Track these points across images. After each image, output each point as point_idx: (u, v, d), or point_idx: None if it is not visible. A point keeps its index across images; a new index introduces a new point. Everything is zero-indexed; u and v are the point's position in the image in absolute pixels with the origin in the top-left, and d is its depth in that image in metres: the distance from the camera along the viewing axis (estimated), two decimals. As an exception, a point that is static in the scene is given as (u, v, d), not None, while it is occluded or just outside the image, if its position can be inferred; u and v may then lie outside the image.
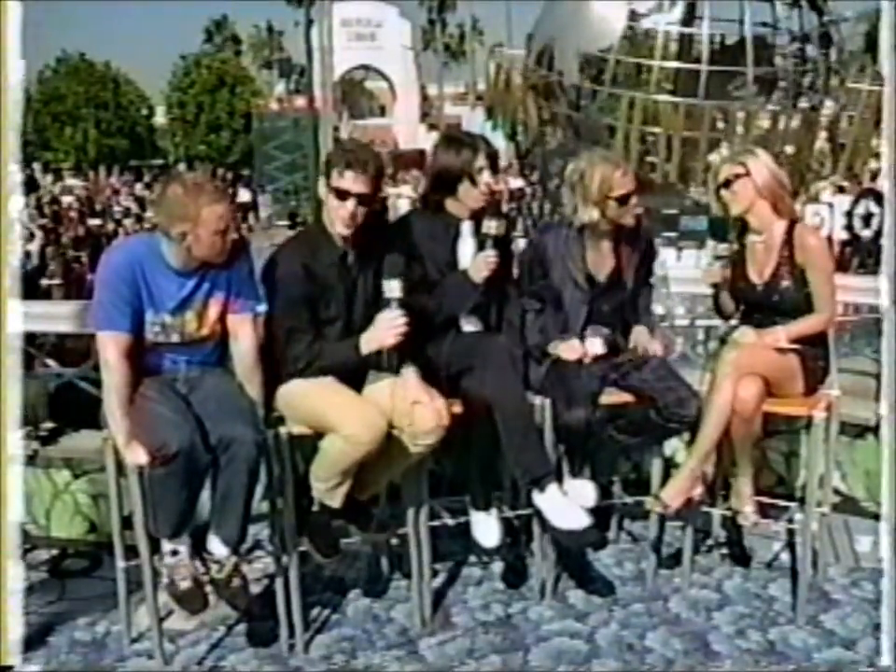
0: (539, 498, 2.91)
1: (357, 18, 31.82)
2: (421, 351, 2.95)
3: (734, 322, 3.26)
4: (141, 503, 2.73)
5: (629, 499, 3.50)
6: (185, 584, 2.72)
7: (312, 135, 22.27)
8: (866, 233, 11.84)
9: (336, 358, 2.81)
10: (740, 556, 3.45)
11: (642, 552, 3.40)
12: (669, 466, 3.24)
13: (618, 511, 3.61)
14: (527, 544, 3.30)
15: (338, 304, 2.84)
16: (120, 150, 34.67)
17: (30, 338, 3.76)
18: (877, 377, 3.40)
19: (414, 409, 2.74)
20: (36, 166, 26.12)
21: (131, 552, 2.86)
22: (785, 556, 3.45)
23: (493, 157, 3.05)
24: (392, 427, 2.80)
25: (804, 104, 9.96)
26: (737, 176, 3.03)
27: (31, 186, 20.34)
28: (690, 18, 9.96)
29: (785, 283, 3.03)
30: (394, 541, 3.29)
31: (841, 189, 12.78)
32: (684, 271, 5.12)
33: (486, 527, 3.06)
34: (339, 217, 2.78)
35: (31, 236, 12.13)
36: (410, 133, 31.93)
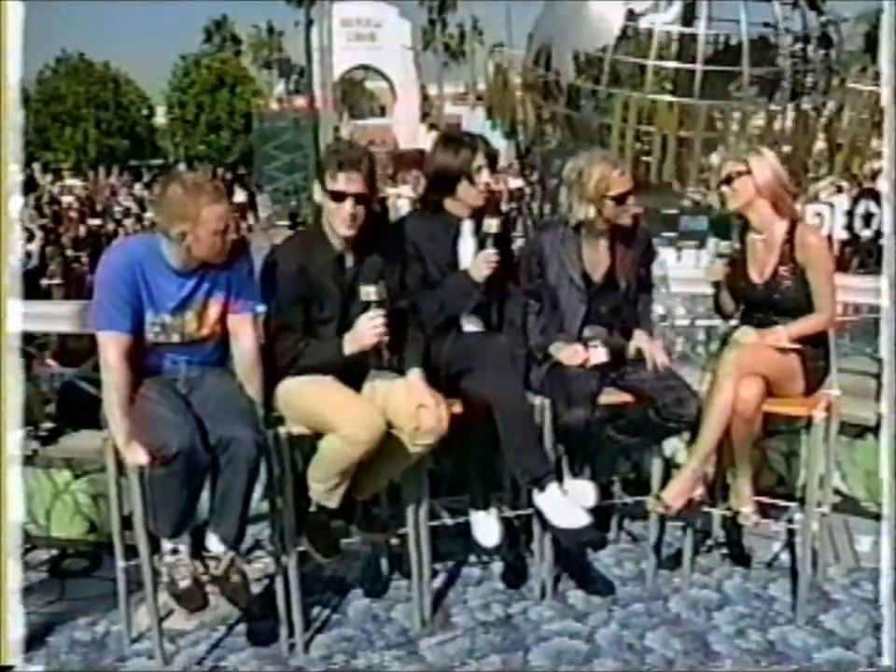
0: (540, 498, 2.91)
1: (356, 18, 31.84)
2: (426, 352, 2.95)
3: (734, 322, 3.26)
4: (141, 503, 2.74)
5: (629, 499, 3.50)
6: (185, 583, 2.72)
7: (312, 135, 22.27)
8: (866, 233, 11.84)
9: (320, 357, 2.82)
10: (740, 556, 3.45)
11: (642, 552, 3.40)
12: (669, 466, 3.24)
13: (618, 511, 3.61)
14: (527, 544, 3.30)
15: (333, 305, 2.84)
16: (120, 150, 34.67)
17: (30, 338, 3.76)
18: (877, 377, 3.40)
19: (419, 411, 2.75)
20: (36, 166, 26.11)
21: (131, 551, 2.86)
22: (785, 556, 3.45)
23: (492, 156, 3.06)
24: (391, 427, 2.80)
25: (805, 104, 9.96)
26: (739, 174, 3.03)
27: (31, 186, 20.35)
28: (691, 18, 9.96)
29: (786, 282, 3.03)
30: (394, 541, 3.29)
31: (840, 189, 12.78)
32: (684, 271, 5.12)
33: (486, 527, 3.06)
34: (339, 219, 2.78)
35: (31, 236, 12.13)
36: (410, 132, 31.93)
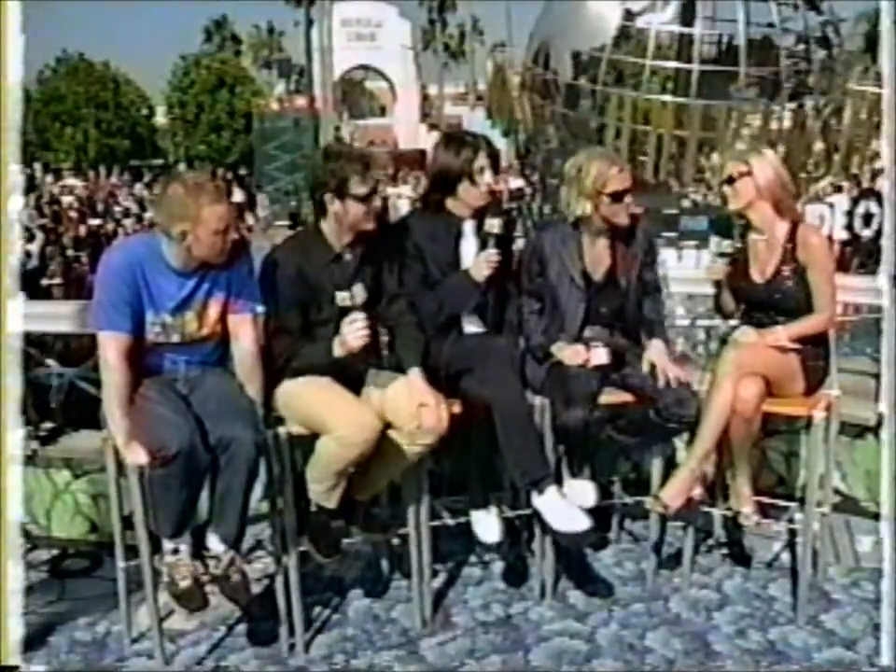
0: (538, 501, 2.90)
1: (356, 18, 31.87)
2: (425, 351, 2.95)
3: (734, 322, 3.26)
4: (141, 503, 2.74)
5: (629, 499, 3.50)
6: (185, 583, 2.72)
7: (312, 135, 22.30)
8: (866, 233, 11.84)
9: (312, 359, 2.82)
10: (740, 556, 3.45)
11: (642, 552, 3.40)
12: (669, 466, 3.24)
13: (618, 510, 3.61)
14: (528, 543, 3.30)
15: (331, 306, 2.83)
16: (120, 150, 34.65)
17: (30, 338, 3.76)
18: (877, 377, 3.40)
19: (420, 410, 2.75)
20: (36, 166, 26.09)
21: (131, 552, 2.86)
22: (785, 556, 3.45)
23: (494, 157, 3.06)
24: (391, 427, 2.81)
25: (803, 104, 9.96)
26: (740, 174, 3.03)
27: (31, 186, 20.34)
28: (691, 18, 9.97)
29: (786, 282, 3.03)
30: (394, 541, 3.29)
31: (840, 189, 12.79)
32: (684, 271, 5.13)
33: (487, 524, 3.06)
34: (367, 218, 2.83)
35: (31, 236, 12.13)
36: (410, 133, 31.96)
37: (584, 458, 3.12)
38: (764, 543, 3.50)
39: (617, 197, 3.01)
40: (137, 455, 2.61)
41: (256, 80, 37.94)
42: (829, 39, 10.07)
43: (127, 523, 2.86)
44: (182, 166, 31.37)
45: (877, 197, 11.39)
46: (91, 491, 3.67)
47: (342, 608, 3.20)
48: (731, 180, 3.05)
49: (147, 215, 17.14)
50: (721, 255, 3.15)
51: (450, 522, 3.18)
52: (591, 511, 2.95)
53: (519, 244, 3.31)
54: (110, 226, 16.87)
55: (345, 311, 2.72)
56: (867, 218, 11.99)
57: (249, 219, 21.05)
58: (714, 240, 3.14)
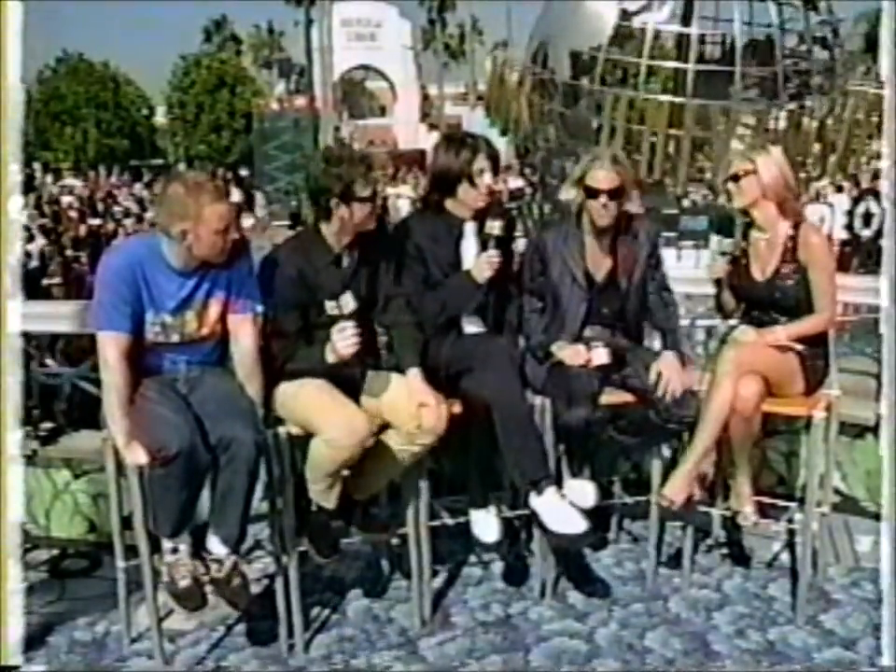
0: (536, 502, 2.90)
1: (356, 18, 31.88)
2: (425, 352, 2.95)
3: (733, 322, 3.26)
4: (141, 503, 2.74)
5: (629, 499, 3.50)
6: (184, 583, 2.72)
7: (312, 135, 22.28)
8: (866, 233, 11.85)
9: (308, 363, 2.81)
10: (740, 556, 3.45)
11: (642, 552, 3.40)
12: (669, 466, 3.24)
13: (618, 510, 3.61)
14: (528, 543, 3.30)
15: (327, 310, 2.81)
16: (120, 150, 34.63)
17: (30, 338, 3.76)
18: (877, 377, 3.40)
19: (421, 410, 2.75)
20: (36, 166, 26.09)
21: (131, 551, 2.86)
22: (785, 556, 3.45)
23: (494, 158, 3.05)
24: (390, 427, 2.81)
25: (805, 104, 9.96)
26: (746, 173, 3.03)
27: (31, 186, 20.33)
28: (692, 18, 9.98)
29: (787, 281, 3.03)
30: (394, 541, 3.29)
31: (841, 189, 12.79)
32: (684, 271, 5.12)
33: (486, 524, 3.06)
34: (367, 219, 2.83)
35: (31, 236, 12.12)
36: (410, 132, 31.97)
37: (584, 458, 3.12)
38: (764, 543, 3.50)
39: (592, 193, 3.01)
40: (137, 455, 2.61)
41: (256, 80, 37.91)
42: (826, 39, 10.08)
43: (127, 523, 2.86)
44: (182, 166, 31.37)
45: (877, 197, 11.39)
46: (91, 491, 3.67)
47: (341, 608, 3.20)
48: (736, 178, 3.05)
49: (148, 215, 17.13)
50: (723, 253, 3.15)
51: (450, 522, 3.18)
52: (591, 511, 2.95)
53: (520, 244, 3.31)
54: (110, 226, 16.84)
55: (336, 319, 2.72)
56: (867, 218, 11.99)
57: (247, 220, 21.05)
58: (715, 238, 3.15)
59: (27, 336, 3.23)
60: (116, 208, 19.46)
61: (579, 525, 2.87)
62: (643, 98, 9.64)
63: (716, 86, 9.66)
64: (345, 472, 2.85)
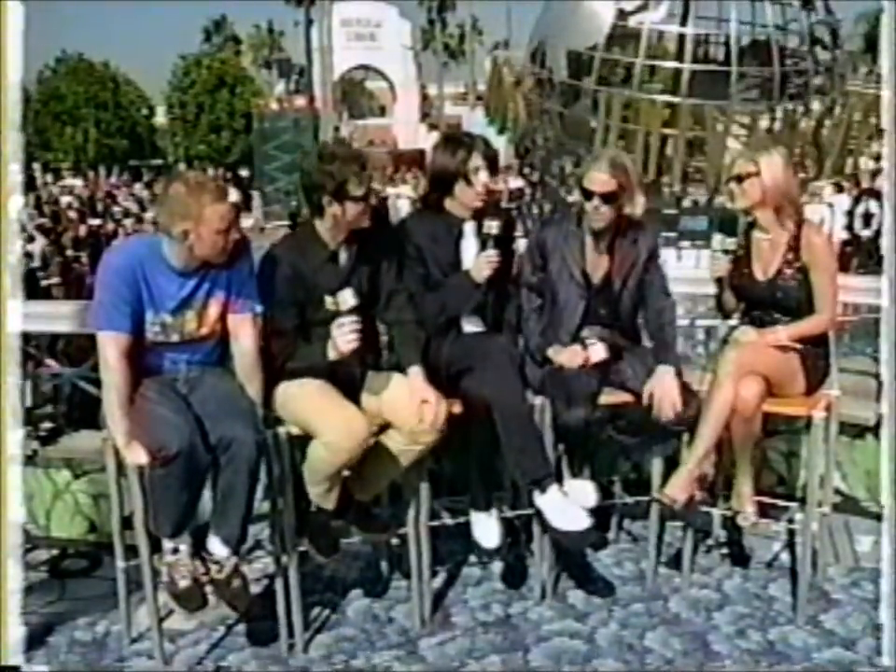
0: (540, 500, 2.90)
1: (356, 18, 31.87)
2: (425, 351, 2.95)
3: (733, 322, 3.26)
4: (141, 503, 2.74)
5: (629, 499, 3.50)
6: (184, 583, 2.72)
7: (312, 135, 22.27)
8: (866, 233, 11.85)
9: (308, 361, 2.81)
10: (740, 556, 3.45)
11: (642, 552, 3.40)
12: (669, 466, 3.24)
13: (618, 510, 3.61)
14: (527, 544, 3.30)
15: (325, 308, 2.80)
16: (120, 150, 34.64)
17: (30, 338, 3.76)
18: (877, 377, 3.40)
19: (423, 408, 2.75)
20: (36, 166, 26.10)
21: (131, 552, 2.86)
22: (785, 556, 3.45)
23: (490, 157, 3.04)
24: (389, 427, 2.81)
25: (801, 105, 9.96)
26: (749, 174, 3.02)
27: (31, 186, 20.33)
28: (687, 17, 9.99)
29: (788, 281, 3.03)
30: (394, 541, 3.29)
31: (841, 189, 12.79)
32: (684, 271, 5.12)
33: (486, 528, 3.06)
34: (360, 216, 2.81)
35: (31, 236, 12.12)
36: (410, 133, 31.96)
37: (585, 458, 3.12)
38: (764, 543, 3.50)
39: (587, 194, 3.01)
40: (137, 455, 2.60)
41: (256, 80, 37.92)
42: (822, 40, 10.09)
43: (127, 523, 2.86)
44: (182, 166, 31.38)
45: (877, 197, 11.39)
46: (91, 491, 3.67)
47: (341, 608, 3.20)
48: (739, 178, 3.05)
49: (148, 215, 17.13)
50: (725, 251, 3.15)
51: (450, 522, 3.18)
52: (591, 511, 2.95)
53: (520, 244, 3.31)
54: (110, 226, 16.85)
55: (335, 315, 2.71)
56: (867, 218, 11.99)
57: (246, 220, 21.04)
58: (717, 237, 3.13)
59: (27, 336, 3.24)
60: (116, 208, 19.47)
61: (583, 521, 2.88)
62: (637, 98, 9.65)
63: (716, 86, 9.67)
64: (346, 473, 2.85)
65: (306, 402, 2.77)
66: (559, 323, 3.12)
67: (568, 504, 2.90)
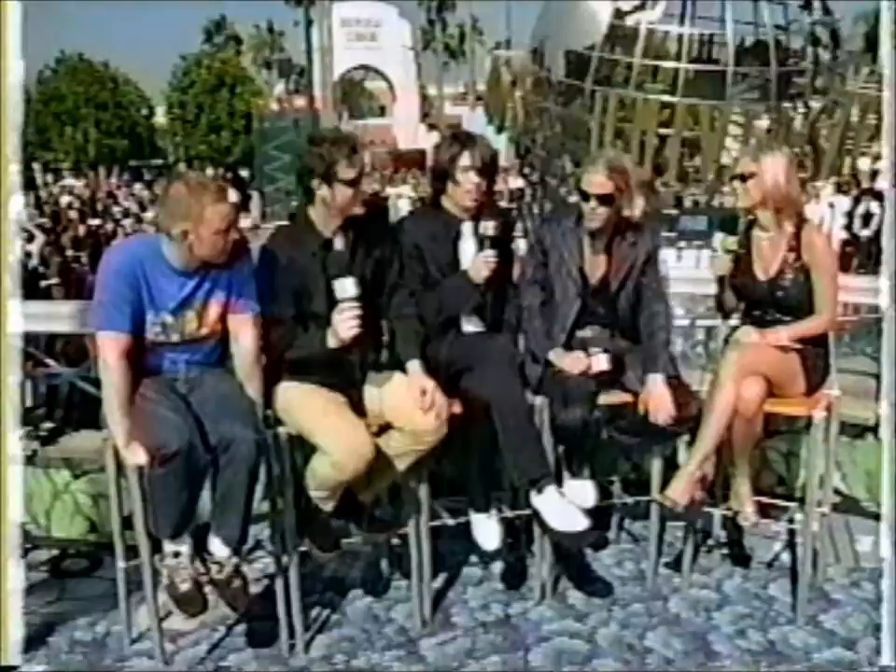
0: (537, 500, 2.90)
1: (356, 18, 31.86)
2: (425, 348, 2.95)
3: (733, 322, 3.26)
4: (141, 503, 2.73)
5: (629, 499, 3.50)
6: (185, 586, 2.72)
7: (312, 135, 22.17)
8: (866, 233, 11.87)
9: (307, 350, 2.79)
10: (740, 556, 3.45)
11: (642, 552, 3.40)
12: (669, 466, 3.24)
13: (618, 511, 3.61)
14: (527, 544, 3.30)
15: (323, 295, 2.78)
16: (120, 150, 34.63)
17: (30, 338, 3.76)
18: (877, 377, 3.40)
19: (423, 399, 2.75)
20: (36, 166, 26.10)
21: (131, 552, 2.86)
22: (785, 556, 3.45)
23: (485, 157, 3.01)
24: (392, 428, 2.80)
25: (800, 105, 9.97)
26: (752, 174, 3.02)
27: (31, 186, 20.34)
28: (691, 17, 9.99)
29: (789, 281, 3.03)
30: (394, 541, 3.29)
31: (840, 190, 12.80)
32: (684, 271, 5.12)
33: (486, 529, 3.06)
34: (355, 202, 2.79)
35: (31, 236, 12.12)
36: (410, 133, 31.95)
37: (584, 458, 3.12)
38: (764, 543, 3.50)
39: (584, 196, 3.01)
40: (137, 456, 2.61)
41: (256, 80, 37.91)
42: (820, 40, 10.10)
43: (127, 523, 2.85)
44: (182, 166, 31.39)
45: (877, 197, 11.41)
46: (91, 491, 3.67)
47: (341, 608, 3.20)
48: (742, 178, 3.05)
49: (148, 215, 17.14)
50: (727, 250, 3.14)
51: (450, 522, 3.18)
52: (591, 511, 2.95)
53: (519, 244, 3.31)
54: (110, 226, 16.86)
55: (336, 301, 2.70)
56: (867, 218, 12.01)
57: (245, 220, 21.02)
58: (719, 235, 3.14)
59: (27, 336, 3.23)
60: (116, 208, 19.47)
61: (580, 522, 2.87)
62: (633, 97, 9.66)
63: (716, 86, 9.67)
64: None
65: (312, 416, 2.75)
66: (555, 320, 3.12)
67: (566, 504, 2.90)
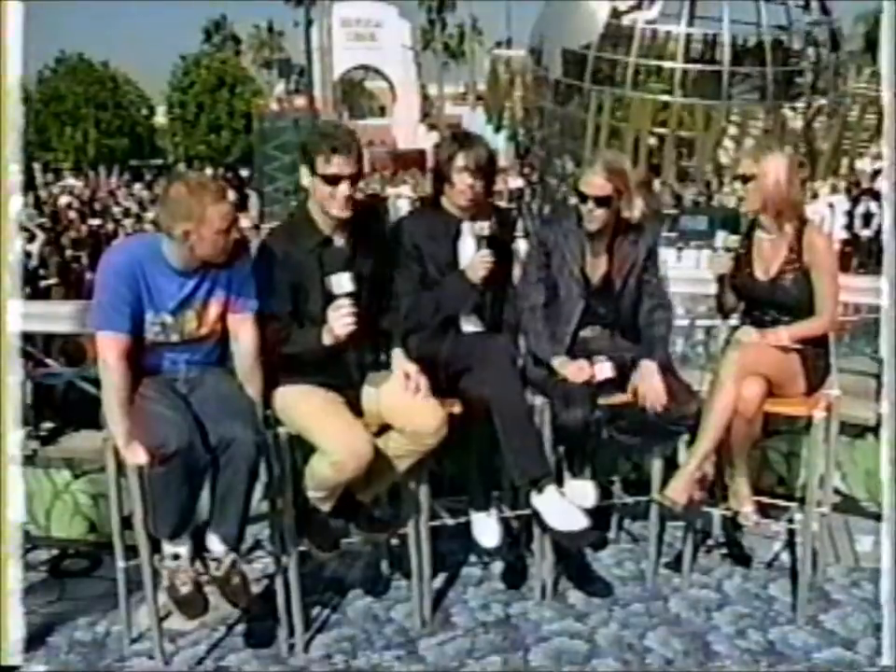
0: (537, 500, 2.90)
1: (356, 18, 31.91)
2: (424, 351, 2.95)
3: (733, 322, 3.26)
4: (141, 503, 2.73)
5: (629, 499, 3.50)
6: (185, 589, 2.72)
7: (312, 135, 22.18)
8: (866, 233, 11.86)
9: (304, 345, 2.78)
10: (740, 556, 3.45)
11: (642, 552, 3.40)
12: (669, 466, 3.24)
13: (618, 511, 3.61)
14: (527, 544, 3.30)
15: (319, 291, 2.77)
16: (120, 150, 34.66)
17: (30, 338, 3.76)
18: (877, 377, 3.40)
19: (417, 406, 2.75)
20: (36, 166, 26.10)
21: (131, 552, 2.86)
22: (785, 556, 3.45)
23: (481, 158, 2.99)
24: (392, 428, 2.80)
25: (799, 105, 9.98)
26: (753, 175, 3.02)
27: (31, 186, 20.34)
28: (691, 17, 10.00)
29: (789, 282, 3.03)
30: (394, 541, 3.29)
31: (837, 189, 12.80)
32: (684, 271, 5.13)
33: (486, 528, 3.06)
34: (335, 202, 2.74)
35: (31, 236, 12.12)
36: (410, 133, 31.99)
37: (584, 458, 3.12)
38: (764, 543, 3.50)
39: (582, 197, 3.01)
40: (137, 456, 2.61)
41: (256, 80, 37.94)
42: (819, 40, 10.11)
43: (127, 523, 2.85)
44: (182, 166, 31.40)
45: (877, 197, 11.40)
46: (91, 491, 3.67)
47: (341, 608, 3.20)
48: (744, 179, 3.05)
49: (148, 215, 17.14)
50: (727, 249, 3.14)
51: (450, 522, 3.18)
52: (591, 511, 2.95)
53: (519, 244, 3.31)
54: (110, 226, 16.86)
55: (332, 298, 2.70)
56: (867, 218, 12.00)
57: (244, 220, 21.01)
58: (721, 234, 3.15)
59: (27, 336, 3.23)
60: (116, 208, 19.47)
61: (580, 521, 2.87)
62: (628, 96, 9.67)
63: (716, 86, 9.69)
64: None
65: (311, 417, 2.75)
66: (559, 321, 3.11)
67: (566, 504, 2.90)
